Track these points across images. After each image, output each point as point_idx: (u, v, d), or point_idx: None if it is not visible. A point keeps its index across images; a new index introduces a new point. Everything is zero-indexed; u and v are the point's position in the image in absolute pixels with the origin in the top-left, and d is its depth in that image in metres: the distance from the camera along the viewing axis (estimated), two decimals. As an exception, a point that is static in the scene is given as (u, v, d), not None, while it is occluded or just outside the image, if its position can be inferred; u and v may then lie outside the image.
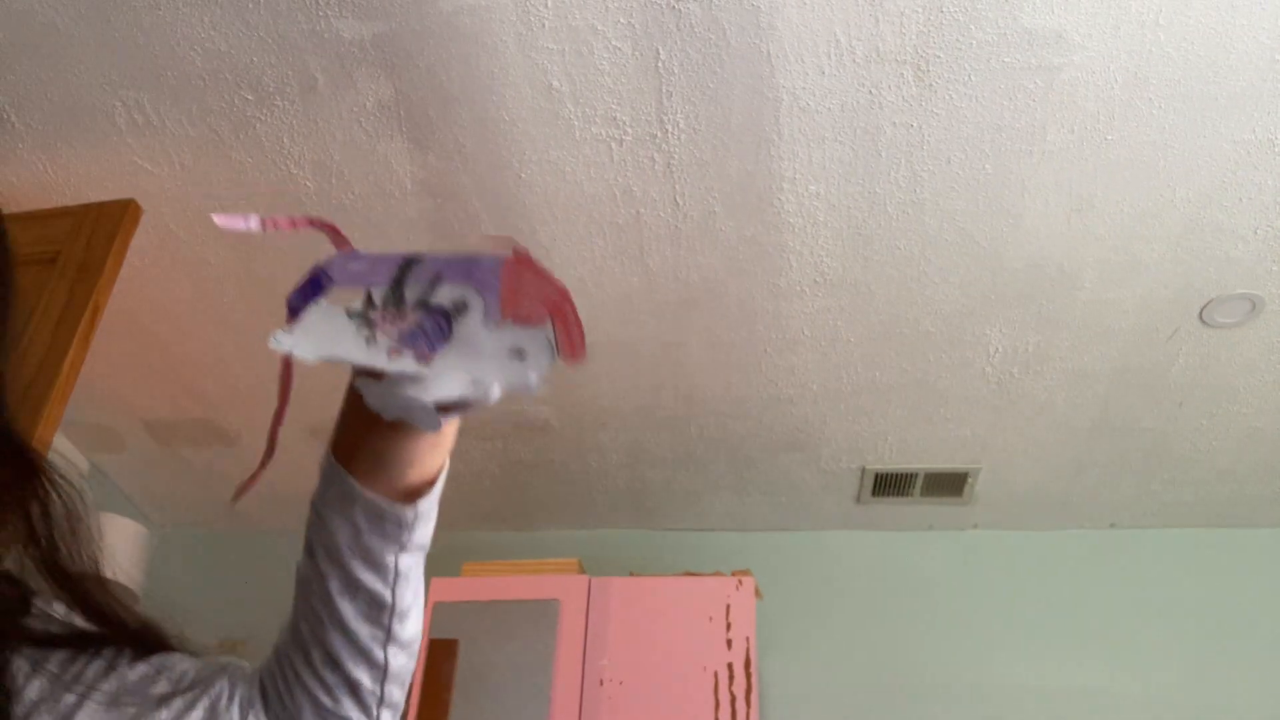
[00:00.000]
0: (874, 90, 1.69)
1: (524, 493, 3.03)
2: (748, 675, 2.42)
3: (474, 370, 0.62)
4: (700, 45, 1.62)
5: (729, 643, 2.47)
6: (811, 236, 2.01)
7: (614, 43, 1.62)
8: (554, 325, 0.62)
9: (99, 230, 1.83)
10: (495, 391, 0.63)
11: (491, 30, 1.61)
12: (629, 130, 1.79)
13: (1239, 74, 1.63)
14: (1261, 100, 1.67)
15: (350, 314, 0.64)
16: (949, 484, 2.92)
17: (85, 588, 0.58)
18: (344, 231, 0.69)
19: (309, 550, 0.69)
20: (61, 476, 0.58)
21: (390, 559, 0.67)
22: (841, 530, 3.21)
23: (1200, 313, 2.18)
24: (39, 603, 0.60)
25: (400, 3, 1.57)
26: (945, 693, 2.88)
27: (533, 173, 1.88)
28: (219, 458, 2.97)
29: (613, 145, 1.82)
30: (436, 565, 2.45)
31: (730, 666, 2.43)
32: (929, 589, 3.07)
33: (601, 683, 2.43)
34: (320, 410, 2.70)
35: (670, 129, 1.78)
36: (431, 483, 0.68)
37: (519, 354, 0.61)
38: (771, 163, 1.84)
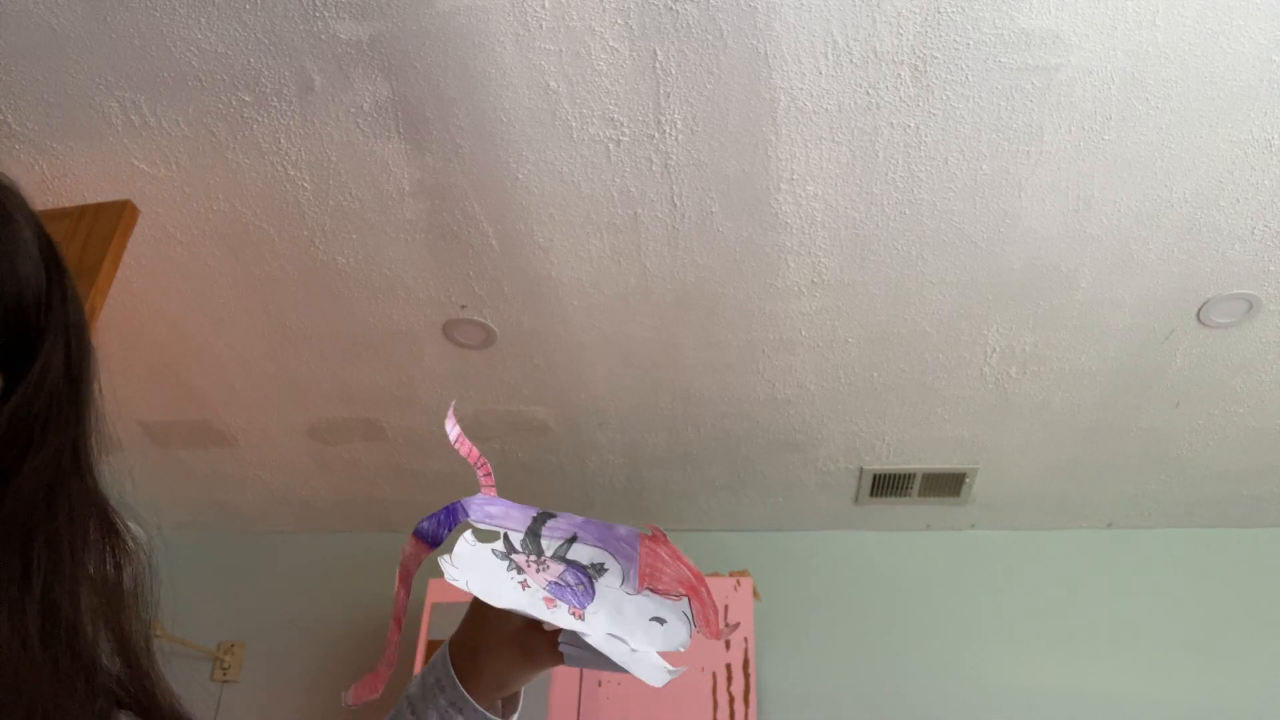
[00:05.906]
0: (871, 91, 1.69)
1: (522, 493, 3.03)
2: (746, 676, 2.42)
3: (621, 631, 0.69)
4: (697, 46, 1.62)
5: (727, 643, 2.47)
6: (809, 237, 2.01)
7: (611, 44, 1.62)
8: (691, 604, 0.71)
9: (96, 231, 1.83)
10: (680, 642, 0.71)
11: (489, 31, 1.61)
12: (626, 131, 1.79)
13: (1236, 74, 1.63)
14: (1259, 100, 1.67)
15: (495, 554, 0.72)
16: (947, 484, 2.92)
17: (143, 660, 0.57)
18: (467, 444, 0.78)
19: None
20: (134, 541, 0.58)
21: None
22: (839, 530, 3.21)
23: (1198, 313, 2.18)
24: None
25: (397, 3, 1.57)
26: (943, 692, 2.88)
27: (530, 173, 1.88)
28: (216, 459, 2.96)
29: (610, 146, 1.82)
30: (433, 566, 2.46)
31: (729, 667, 2.43)
32: (927, 589, 3.07)
33: (600, 683, 2.43)
34: (319, 411, 2.70)
35: (668, 129, 1.78)
36: (518, 698, 0.76)
37: (660, 621, 0.70)
38: (769, 163, 1.84)
